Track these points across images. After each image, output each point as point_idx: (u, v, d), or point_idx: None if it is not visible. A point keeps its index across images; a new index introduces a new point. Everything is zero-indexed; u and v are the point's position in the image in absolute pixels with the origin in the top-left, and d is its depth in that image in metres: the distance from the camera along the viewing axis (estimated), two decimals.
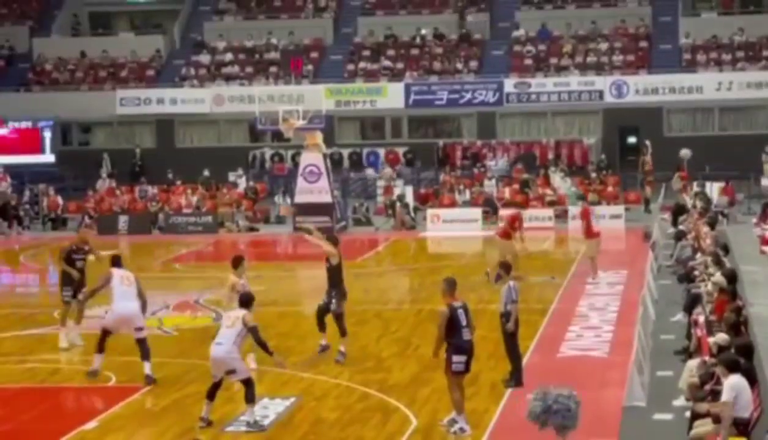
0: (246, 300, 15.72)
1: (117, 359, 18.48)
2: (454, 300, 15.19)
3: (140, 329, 17.85)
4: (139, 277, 18.38)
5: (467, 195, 41.09)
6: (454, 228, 38.09)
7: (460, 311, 15.09)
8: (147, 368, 17.58)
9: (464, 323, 15.05)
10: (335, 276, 18.85)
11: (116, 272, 18.08)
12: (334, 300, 18.80)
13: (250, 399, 15.39)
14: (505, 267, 17.48)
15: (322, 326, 19.01)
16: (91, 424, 15.83)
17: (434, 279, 27.99)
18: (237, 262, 18.45)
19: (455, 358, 14.99)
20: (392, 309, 24.68)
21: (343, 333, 18.95)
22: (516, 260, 25.31)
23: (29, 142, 47.08)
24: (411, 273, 31.31)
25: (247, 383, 15.39)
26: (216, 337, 15.48)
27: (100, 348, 17.88)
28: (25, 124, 47.07)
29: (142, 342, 17.72)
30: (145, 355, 17.66)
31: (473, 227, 38.17)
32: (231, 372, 15.36)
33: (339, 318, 18.83)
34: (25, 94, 49.54)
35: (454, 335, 14.97)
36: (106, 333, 17.93)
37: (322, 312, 18.92)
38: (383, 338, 21.24)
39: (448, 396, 15.30)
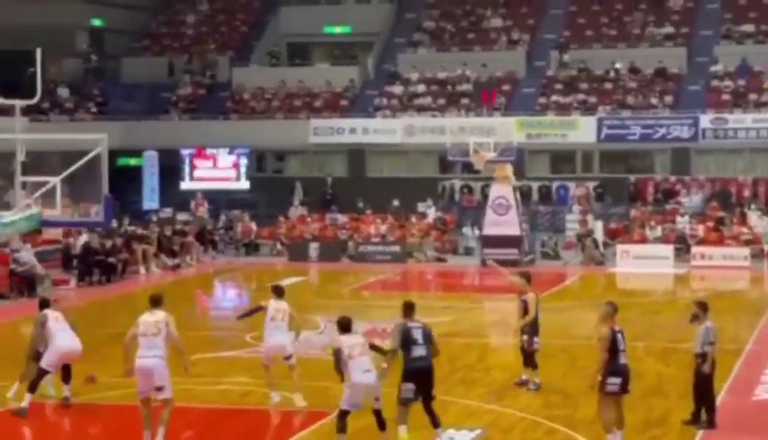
0: (345, 324, 15.68)
1: (308, 384, 18.79)
2: (614, 325, 15.63)
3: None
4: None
5: (659, 231, 40.45)
6: (645, 264, 37.55)
7: (619, 335, 15.56)
8: None
9: (622, 347, 15.48)
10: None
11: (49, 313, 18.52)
12: (525, 337, 19.03)
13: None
14: (702, 307, 17.12)
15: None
16: None
17: (623, 316, 27.56)
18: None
19: (610, 380, 15.36)
20: (579, 345, 24.44)
21: (533, 366, 19.18)
22: None
23: (226, 169, 48.35)
24: (599, 308, 30.88)
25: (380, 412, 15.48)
26: (362, 365, 15.33)
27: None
28: (222, 152, 48.37)
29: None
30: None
31: (664, 264, 37.57)
32: (377, 398, 15.44)
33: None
34: (223, 122, 50.92)
35: (612, 358, 15.38)
36: None
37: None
38: (570, 373, 21.07)
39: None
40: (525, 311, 19.40)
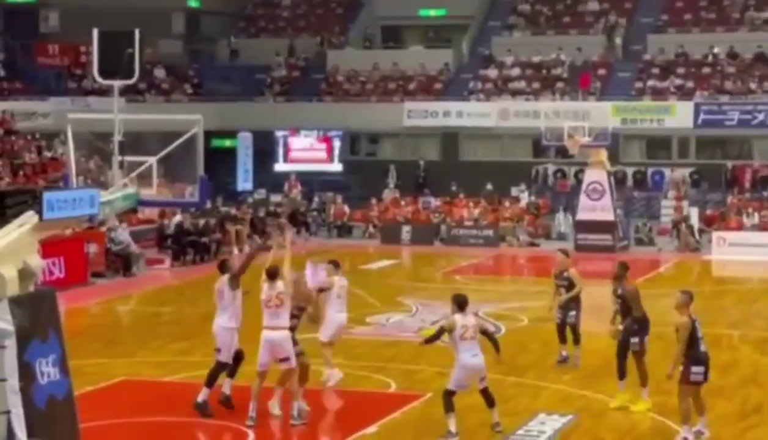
0: (461, 302, 15.59)
1: (398, 366, 18.83)
2: (691, 313, 15.25)
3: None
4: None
5: (756, 218, 39.82)
6: (741, 251, 36.99)
7: (697, 324, 15.21)
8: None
9: (700, 335, 15.14)
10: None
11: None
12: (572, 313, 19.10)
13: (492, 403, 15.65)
14: None
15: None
16: (372, 429, 16.19)
17: (718, 304, 27.34)
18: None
19: (694, 369, 15.04)
20: (674, 332, 24.17)
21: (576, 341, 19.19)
22: None
23: (320, 151, 48.57)
24: (694, 295, 30.54)
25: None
26: (472, 348, 15.40)
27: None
28: (316, 134, 48.59)
29: None
30: None
31: (761, 252, 36.99)
32: (484, 378, 15.57)
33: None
34: (317, 104, 51.15)
35: (692, 346, 15.04)
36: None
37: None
38: (665, 360, 20.79)
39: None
40: (567, 288, 19.47)
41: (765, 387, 18.35)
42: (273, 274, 16.34)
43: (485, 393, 15.61)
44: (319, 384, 17.86)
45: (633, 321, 17.24)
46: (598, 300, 20.91)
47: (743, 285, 33.08)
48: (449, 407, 15.36)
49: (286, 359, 16.19)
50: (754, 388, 18.46)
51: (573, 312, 19.56)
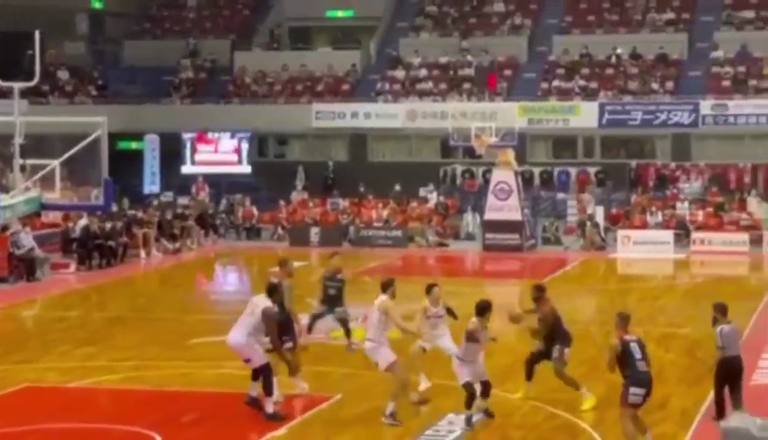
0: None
1: (308, 368, 18.78)
2: (626, 334, 15.00)
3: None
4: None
5: (659, 217, 40.46)
6: (645, 250, 37.59)
7: (633, 344, 14.91)
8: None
9: (639, 356, 14.85)
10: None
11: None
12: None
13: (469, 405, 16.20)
14: (717, 309, 16.45)
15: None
16: (281, 431, 16.14)
17: (624, 301, 27.71)
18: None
19: (632, 390, 14.82)
20: (580, 330, 24.41)
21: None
22: None
23: (228, 153, 48.28)
24: (600, 293, 31.00)
25: (486, 385, 16.35)
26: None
27: None
28: (224, 136, 48.30)
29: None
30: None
31: (665, 249, 37.62)
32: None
33: None
34: (225, 106, 50.85)
35: (629, 368, 14.82)
36: None
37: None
38: (571, 358, 21.04)
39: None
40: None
41: (669, 383, 18.62)
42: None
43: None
44: (235, 387, 17.80)
45: (547, 337, 17.51)
46: (506, 299, 21.02)
47: (647, 282, 33.58)
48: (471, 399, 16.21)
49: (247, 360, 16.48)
50: (658, 384, 18.59)
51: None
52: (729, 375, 16.31)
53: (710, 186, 43.53)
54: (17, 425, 16.27)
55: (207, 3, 57.81)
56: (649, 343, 22.29)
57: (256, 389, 16.65)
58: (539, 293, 17.86)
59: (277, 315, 16.57)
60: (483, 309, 16.45)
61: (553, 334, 17.52)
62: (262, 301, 16.45)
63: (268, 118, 48.94)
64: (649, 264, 36.34)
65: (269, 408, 16.49)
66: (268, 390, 16.49)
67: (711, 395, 17.11)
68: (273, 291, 16.69)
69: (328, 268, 20.37)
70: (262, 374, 16.46)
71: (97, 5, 56.56)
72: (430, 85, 50.17)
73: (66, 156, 14.97)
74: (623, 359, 14.82)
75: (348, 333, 20.07)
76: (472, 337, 16.09)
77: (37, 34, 15.49)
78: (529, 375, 17.77)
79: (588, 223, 39.23)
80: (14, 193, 14.41)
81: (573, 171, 46.15)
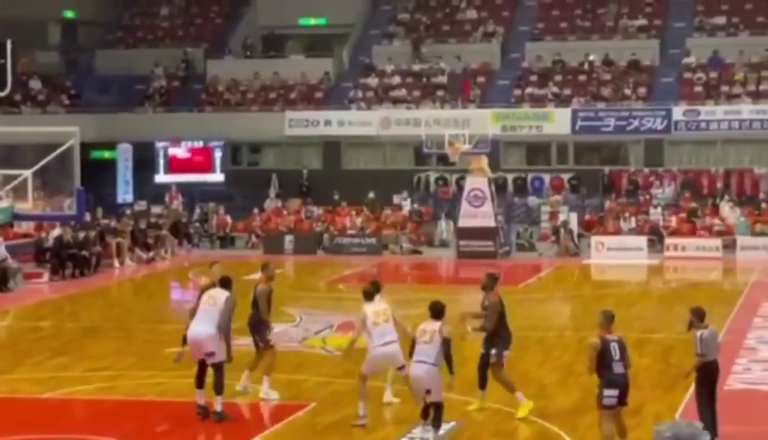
0: (439, 310, 15.92)
1: (282, 376, 18.77)
2: (609, 334, 14.89)
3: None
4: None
5: (632, 222, 40.61)
6: (619, 255, 37.74)
7: (614, 345, 14.76)
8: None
9: (617, 357, 14.71)
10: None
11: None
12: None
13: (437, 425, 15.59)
14: (694, 314, 16.13)
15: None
16: None
17: (598, 307, 27.72)
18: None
19: (606, 392, 14.68)
20: (554, 336, 24.53)
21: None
22: None
23: (201, 161, 48.18)
24: (574, 299, 31.09)
25: (439, 407, 15.56)
26: (414, 355, 15.57)
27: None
28: (197, 144, 48.21)
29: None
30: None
31: (638, 255, 37.78)
32: (429, 391, 15.49)
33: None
34: (198, 114, 50.75)
35: (605, 368, 14.70)
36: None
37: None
38: (545, 365, 21.13)
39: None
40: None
41: (644, 389, 18.67)
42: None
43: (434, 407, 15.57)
44: (210, 397, 17.73)
45: (491, 334, 17.33)
46: (477, 307, 21.01)
47: (621, 288, 33.71)
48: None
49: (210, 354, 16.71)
50: (633, 390, 18.61)
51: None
52: (708, 380, 16.28)
53: (683, 191, 43.72)
54: None
55: (179, 12, 57.70)
56: None
57: (203, 397, 16.70)
58: (492, 283, 17.69)
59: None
60: (440, 311, 16.00)
61: (497, 330, 17.33)
62: (221, 293, 16.96)
63: (241, 126, 48.86)
64: (623, 270, 36.49)
65: (218, 406, 16.61)
66: (218, 389, 16.62)
67: (686, 400, 17.16)
68: (228, 283, 17.26)
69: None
70: (217, 372, 16.60)
71: (70, 14, 56.35)
72: (403, 92, 50.20)
73: (38, 166, 14.91)
74: (601, 359, 14.68)
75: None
76: (448, 342, 15.93)
77: (9, 44, 15.43)
78: (483, 383, 17.57)
79: (562, 230, 39.34)
80: None
81: (547, 177, 46.27)
